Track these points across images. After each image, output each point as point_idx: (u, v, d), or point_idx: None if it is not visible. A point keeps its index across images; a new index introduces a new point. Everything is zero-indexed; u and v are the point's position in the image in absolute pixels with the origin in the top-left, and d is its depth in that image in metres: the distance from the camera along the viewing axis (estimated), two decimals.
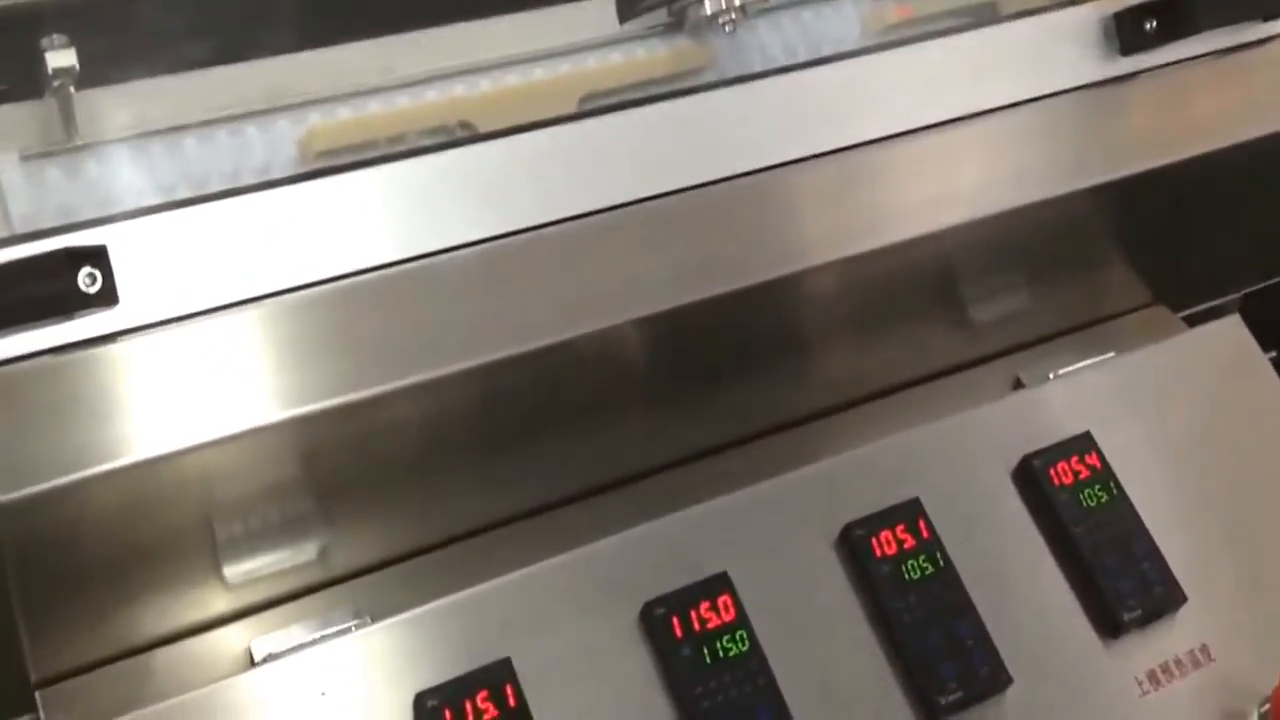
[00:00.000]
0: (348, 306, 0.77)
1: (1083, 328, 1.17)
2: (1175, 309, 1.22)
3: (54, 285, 0.71)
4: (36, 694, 0.83)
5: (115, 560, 0.83)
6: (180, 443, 0.74)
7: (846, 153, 0.94)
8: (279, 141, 0.93)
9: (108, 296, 0.73)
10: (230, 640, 0.88)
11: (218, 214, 0.77)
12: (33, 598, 0.81)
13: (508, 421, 0.89)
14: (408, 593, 0.88)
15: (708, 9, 0.99)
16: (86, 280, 0.73)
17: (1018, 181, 0.99)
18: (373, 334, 0.78)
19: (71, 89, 0.85)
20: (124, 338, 0.74)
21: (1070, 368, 1.09)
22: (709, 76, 1.02)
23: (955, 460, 1.00)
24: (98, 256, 0.73)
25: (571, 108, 0.97)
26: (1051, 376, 1.09)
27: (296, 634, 0.86)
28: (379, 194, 0.81)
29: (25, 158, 0.85)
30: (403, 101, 0.97)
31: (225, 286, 0.76)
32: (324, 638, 0.84)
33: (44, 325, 0.72)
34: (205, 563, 0.86)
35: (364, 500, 0.88)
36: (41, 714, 0.82)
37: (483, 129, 0.93)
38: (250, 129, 0.92)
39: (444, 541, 0.94)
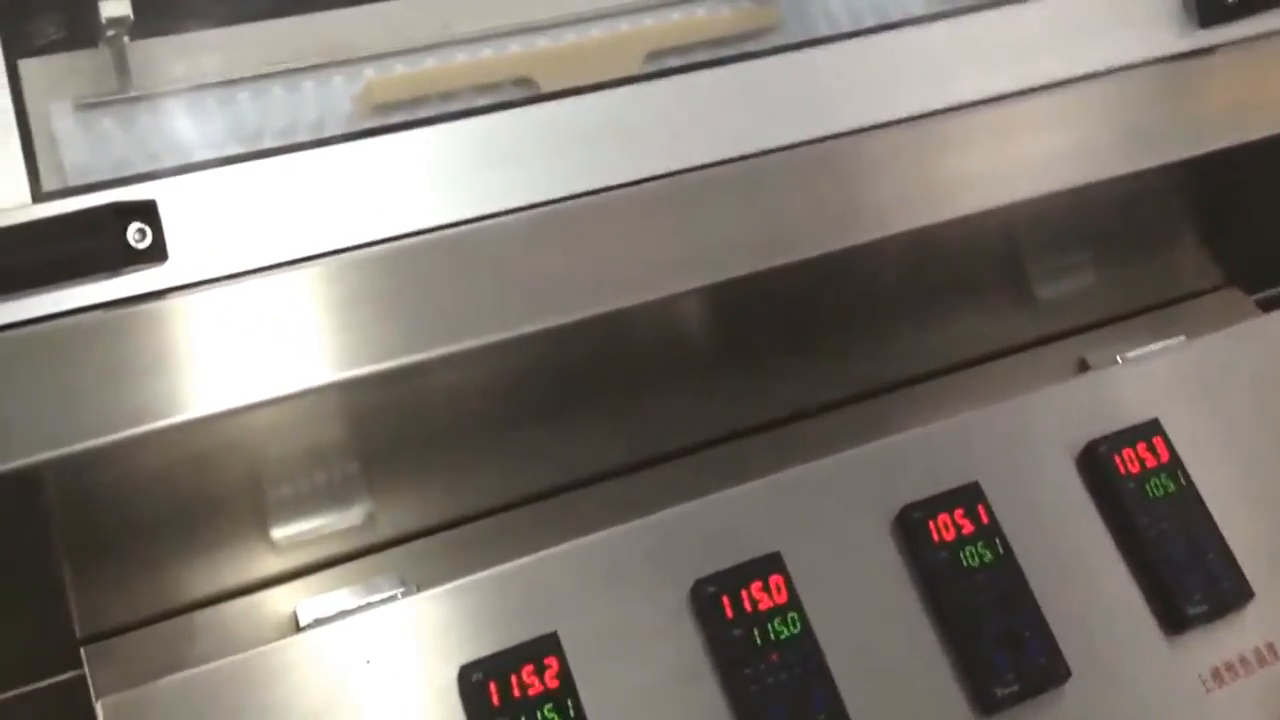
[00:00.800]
0: (402, 268, 0.76)
1: (1152, 309, 1.14)
2: (1249, 292, 1.18)
3: (102, 240, 0.70)
4: (81, 650, 0.81)
5: (161, 519, 0.82)
6: (230, 403, 0.72)
7: (914, 122, 0.91)
8: (334, 97, 0.91)
9: (157, 252, 0.71)
10: (275, 603, 0.87)
11: (272, 170, 0.75)
12: (80, 555, 0.81)
13: (562, 390, 0.87)
14: (453, 561, 0.87)
15: None
16: (136, 235, 0.71)
17: (1089, 156, 0.96)
18: (428, 297, 0.76)
19: (125, 39, 0.83)
20: (173, 295, 0.72)
21: (1138, 351, 1.06)
22: (774, 39, 0.99)
23: (1018, 444, 0.97)
24: (147, 212, 0.71)
25: (634, 66, 0.95)
26: (1119, 360, 1.06)
27: (342, 599, 0.85)
28: (435, 153, 0.78)
29: (79, 107, 0.83)
30: (461, 58, 0.94)
31: (277, 245, 0.74)
32: (370, 605, 0.83)
33: (93, 281, 0.70)
34: (251, 524, 0.85)
35: (412, 466, 0.86)
36: (86, 670, 0.81)
37: (544, 86, 0.91)
38: (306, 84, 0.90)
39: (491, 510, 0.92)
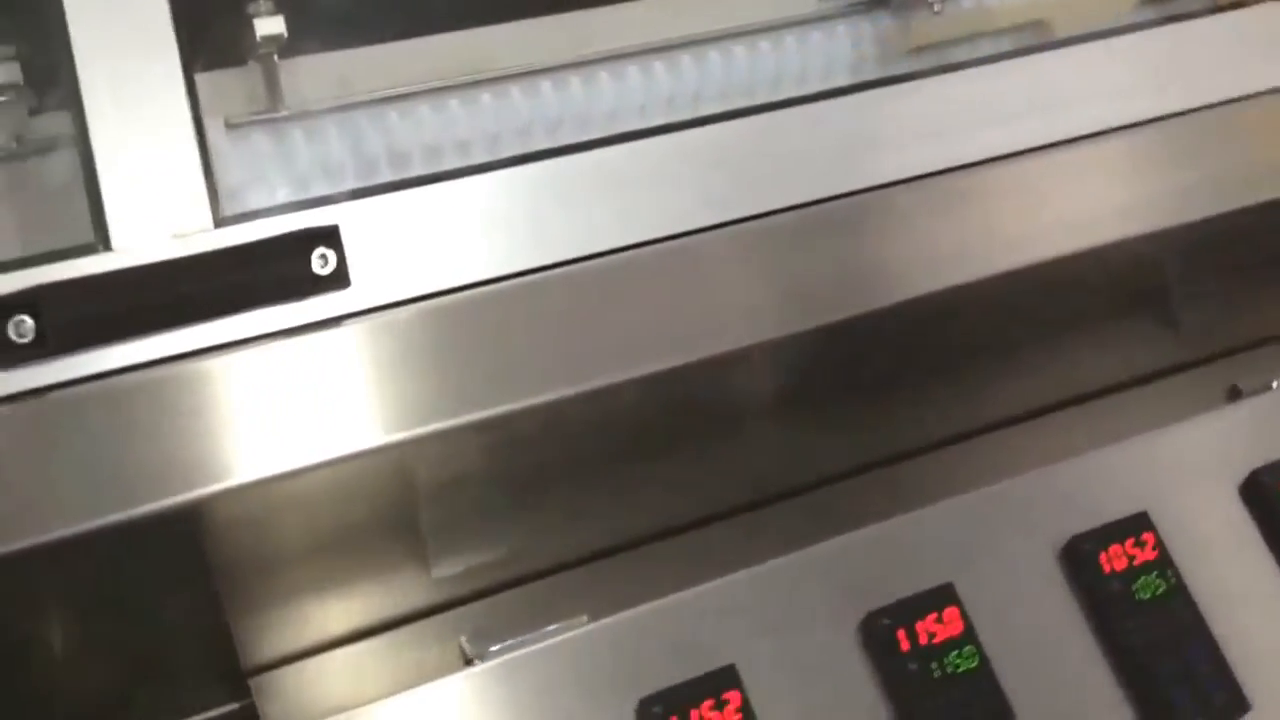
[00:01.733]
0: (581, 292, 0.73)
1: None
2: None
3: (289, 267, 0.68)
4: (249, 682, 0.80)
5: (324, 548, 0.81)
6: (417, 428, 0.71)
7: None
8: (480, 115, 0.90)
9: (340, 278, 0.70)
10: (437, 632, 0.85)
11: (450, 193, 0.73)
12: (243, 587, 0.79)
13: (726, 415, 0.85)
14: (618, 589, 0.85)
15: None
16: (319, 262, 0.69)
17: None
18: (604, 321, 0.74)
19: (275, 57, 0.82)
20: (354, 320, 0.70)
21: None
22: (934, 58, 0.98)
23: (1180, 472, 0.94)
24: (331, 237, 0.70)
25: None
26: (1275, 385, 1.02)
27: (509, 630, 0.82)
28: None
29: (231, 125, 0.82)
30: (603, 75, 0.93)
31: (457, 268, 0.72)
32: (542, 636, 0.80)
33: (274, 306, 0.69)
34: (412, 552, 0.84)
35: (574, 493, 0.85)
36: (256, 701, 0.79)
37: None
38: (452, 102, 0.89)
39: (654, 536, 0.90)
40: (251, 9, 0.81)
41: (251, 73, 0.83)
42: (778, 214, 0.80)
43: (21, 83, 0.78)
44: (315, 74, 0.88)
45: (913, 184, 0.84)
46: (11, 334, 0.65)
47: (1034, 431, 1.06)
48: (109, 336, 0.66)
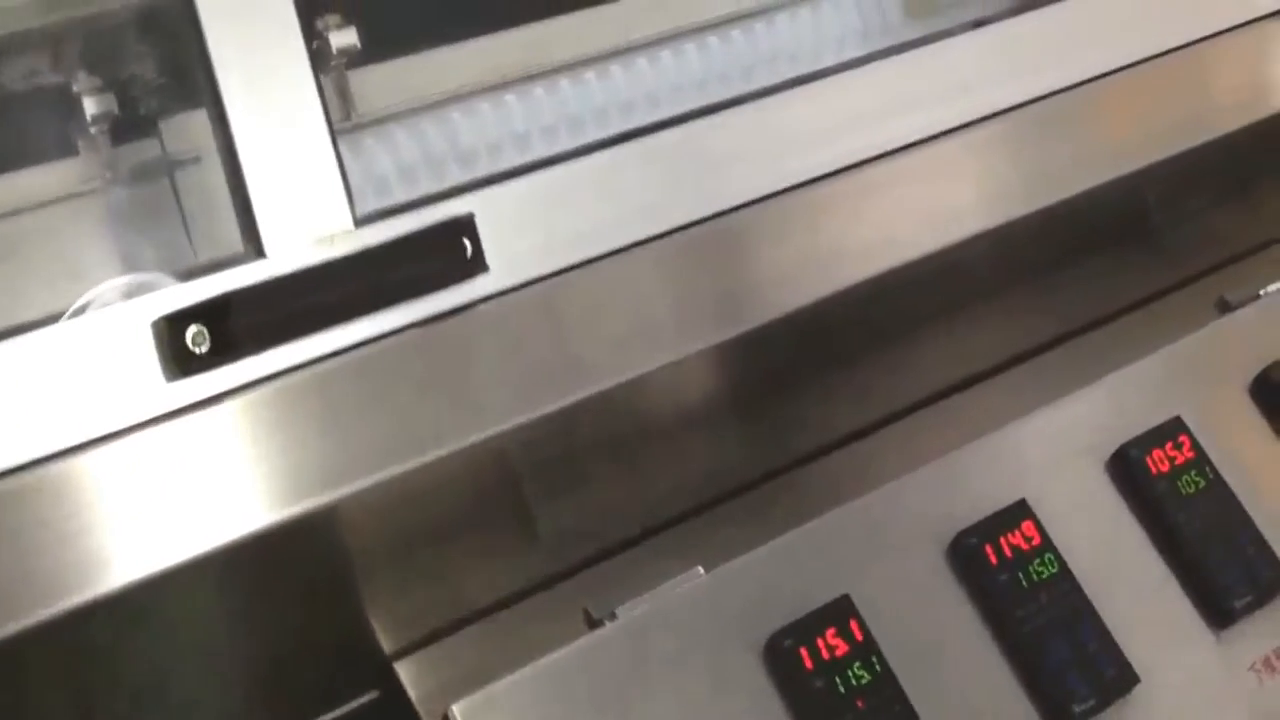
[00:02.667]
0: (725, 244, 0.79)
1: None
2: None
3: (440, 257, 0.72)
4: (394, 665, 0.83)
5: (450, 530, 0.84)
6: (547, 405, 0.75)
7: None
8: (536, 109, 0.94)
9: (480, 263, 0.74)
10: (557, 602, 0.89)
11: (566, 174, 0.78)
12: (378, 572, 0.82)
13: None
14: (723, 539, 0.89)
15: None
16: (465, 248, 0.74)
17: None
18: (709, 283, 0.80)
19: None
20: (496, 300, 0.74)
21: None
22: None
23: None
24: (470, 225, 0.74)
25: None
26: (1262, 293, 1.11)
27: (632, 588, 0.87)
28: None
29: None
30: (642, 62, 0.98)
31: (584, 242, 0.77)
32: (664, 591, 0.85)
33: (428, 295, 0.73)
34: (530, 523, 0.87)
35: (682, 448, 0.89)
36: (405, 684, 0.83)
37: None
38: (509, 98, 0.93)
39: (746, 486, 0.95)
40: (321, 24, 0.84)
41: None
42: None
43: (117, 112, 0.81)
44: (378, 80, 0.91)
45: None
46: (190, 343, 0.68)
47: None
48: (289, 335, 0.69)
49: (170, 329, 0.67)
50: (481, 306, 0.75)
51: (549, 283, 0.77)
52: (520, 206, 0.76)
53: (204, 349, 0.68)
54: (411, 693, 0.83)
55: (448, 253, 0.73)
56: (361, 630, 0.84)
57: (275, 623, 0.81)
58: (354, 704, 0.85)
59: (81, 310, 0.72)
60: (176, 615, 0.75)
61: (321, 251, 0.71)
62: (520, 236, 0.76)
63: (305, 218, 0.72)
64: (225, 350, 0.69)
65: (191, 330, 0.68)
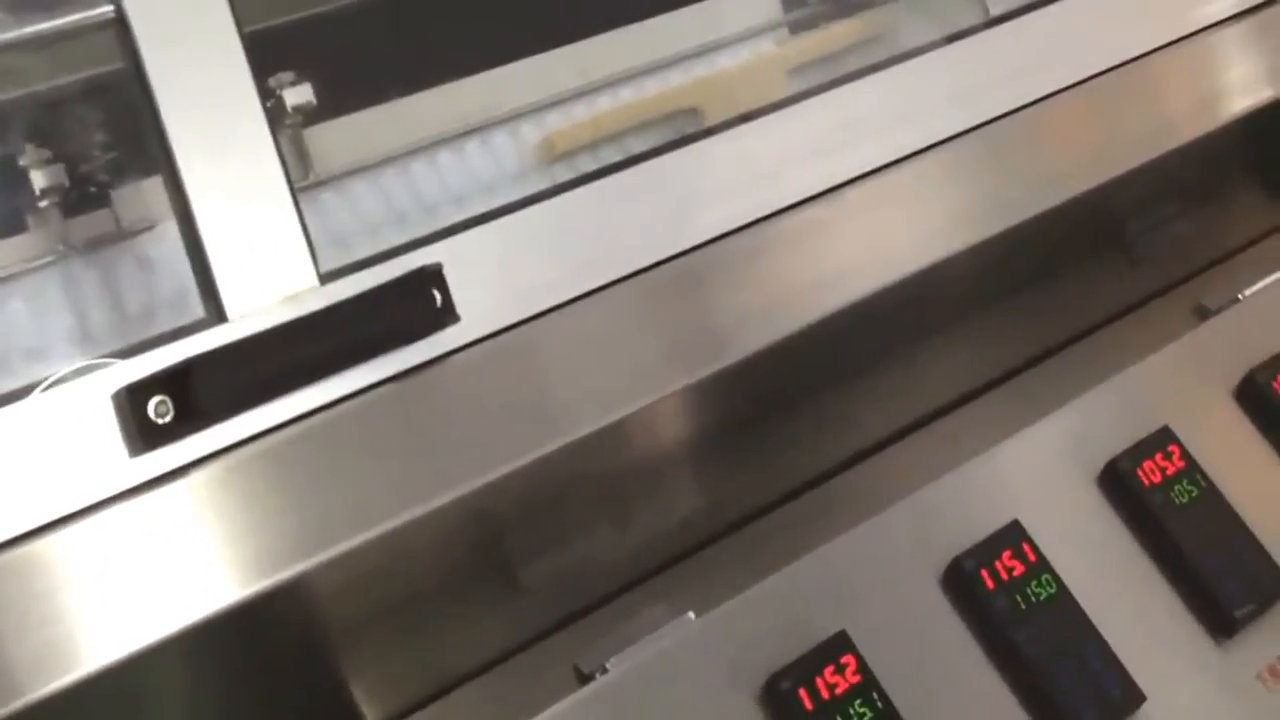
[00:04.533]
0: (695, 281, 0.79)
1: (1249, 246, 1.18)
2: None
3: (413, 309, 0.70)
4: None
5: (430, 591, 0.82)
6: (528, 454, 0.73)
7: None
8: (500, 153, 0.93)
9: (449, 313, 0.73)
10: (546, 658, 0.86)
11: (535, 217, 0.76)
12: (357, 640, 0.80)
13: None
14: (710, 582, 0.87)
15: None
16: (434, 300, 0.72)
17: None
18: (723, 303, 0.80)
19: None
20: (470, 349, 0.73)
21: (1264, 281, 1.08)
22: (889, 43, 1.04)
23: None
24: (438, 276, 0.72)
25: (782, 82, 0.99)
26: (1241, 296, 1.09)
27: (619, 640, 0.84)
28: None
29: None
30: (604, 102, 0.97)
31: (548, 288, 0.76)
32: (657, 639, 0.83)
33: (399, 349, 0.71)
34: (509, 581, 0.85)
35: (666, 491, 0.88)
36: None
37: (708, 116, 0.94)
38: (470, 145, 0.92)
39: (732, 527, 0.93)
40: (274, 82, 0.83)
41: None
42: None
43: (67, 185, 0.79)
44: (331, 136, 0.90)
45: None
46: (152, 414, 0.66)
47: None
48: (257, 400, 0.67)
49: (132, 400, 0.65)
50: (455, 357, 0.73)
51: (522, 329, 0.74)
52: (487, 254, 0.74)
53: (167, 419, 0.66)
54: None
55: (418, 303, 0.71)
56: (343, 701, 0.81)
57: (253, 697, 0.79)
58: None
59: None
60: (151, 694, 0.73)
61: (287, 311, 0.69)
62: (489, 284, 0.74)
63: (268, 278, 0.70)
64: (190, 419, 0.67)
65: (154, 401, 0.66)
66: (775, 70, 0.99)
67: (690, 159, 0.83)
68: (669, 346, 0.79)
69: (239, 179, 0.70)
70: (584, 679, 0.83)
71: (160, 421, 0.66)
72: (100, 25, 0.69)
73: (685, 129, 0.93)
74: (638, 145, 0.92)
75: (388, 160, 0.90)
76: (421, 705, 0.84)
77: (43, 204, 0.81)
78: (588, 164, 0.92)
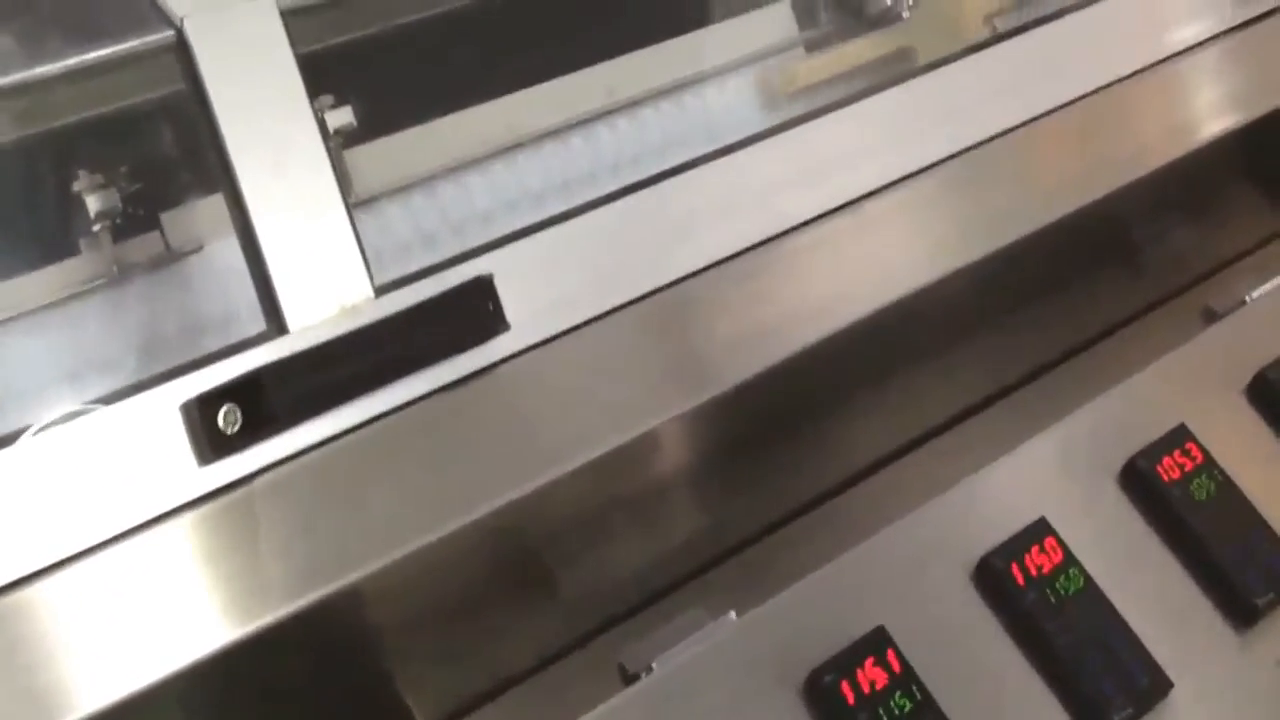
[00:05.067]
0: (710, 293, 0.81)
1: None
2: None
3: (466, 318, 0.73)
4: None
5: (480, 598, 0.84)
6: (583, 456, 0.76)
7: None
8: (527, 175, 0.96)
9: (501, 321, 0.75)
10: (593, 658, 0.89)
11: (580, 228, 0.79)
12: (410, 646, 0.82)
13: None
14: (751, 583, 0.90)
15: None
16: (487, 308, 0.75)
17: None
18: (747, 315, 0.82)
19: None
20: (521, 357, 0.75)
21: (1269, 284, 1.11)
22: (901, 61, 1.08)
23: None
24: (489, 286, 0.75)
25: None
26: (1248, 299, 1.11)
27: (663, 640, 0.87)
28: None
29: None
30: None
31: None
32: (700, 639, 0.85)
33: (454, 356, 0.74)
34: (554, 585, 0.88)
35: (704, 494, 0.90)
36: None
37: None
38: (497, 166, 0.94)
39: (766, 530, 0.96)
40: (316, 105, 0.85)
41: None
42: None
43: (120, 208, 0.81)
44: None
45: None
46: (221, 424, 0.68)
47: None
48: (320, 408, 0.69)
49: (202, 411, 0.67)
50: (506, 364, 0.75)
51: (571, 336, 0.77)
52: (534, 264, 0.77)
53: (236, 428, 0.68)
54: None
55: (472, 312, 0.73)
56: (397, 707, 0.83)
57: (307, 699, 0.80)
58: None
59: None
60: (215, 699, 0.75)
61: (346, 322, 0.72)
62: (538, 292, 0.77)
63: (326, 291, 0.72)
64: (257, 429, 0.69)
65: (223, 410, 0.68)
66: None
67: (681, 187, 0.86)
68: (718, 348, 0.82)
69: (297, 196, 0.72)
70: (629, 679, 0.85)
71: (229, 431, 0.68)
72: (162, 50, 0.72)
73: None
74: None
75: (420, 181, 0.92)
76: (473, 708, 0.85)
77: (95, 228, 0.82)
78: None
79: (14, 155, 0.81)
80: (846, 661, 0.83)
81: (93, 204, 0.82)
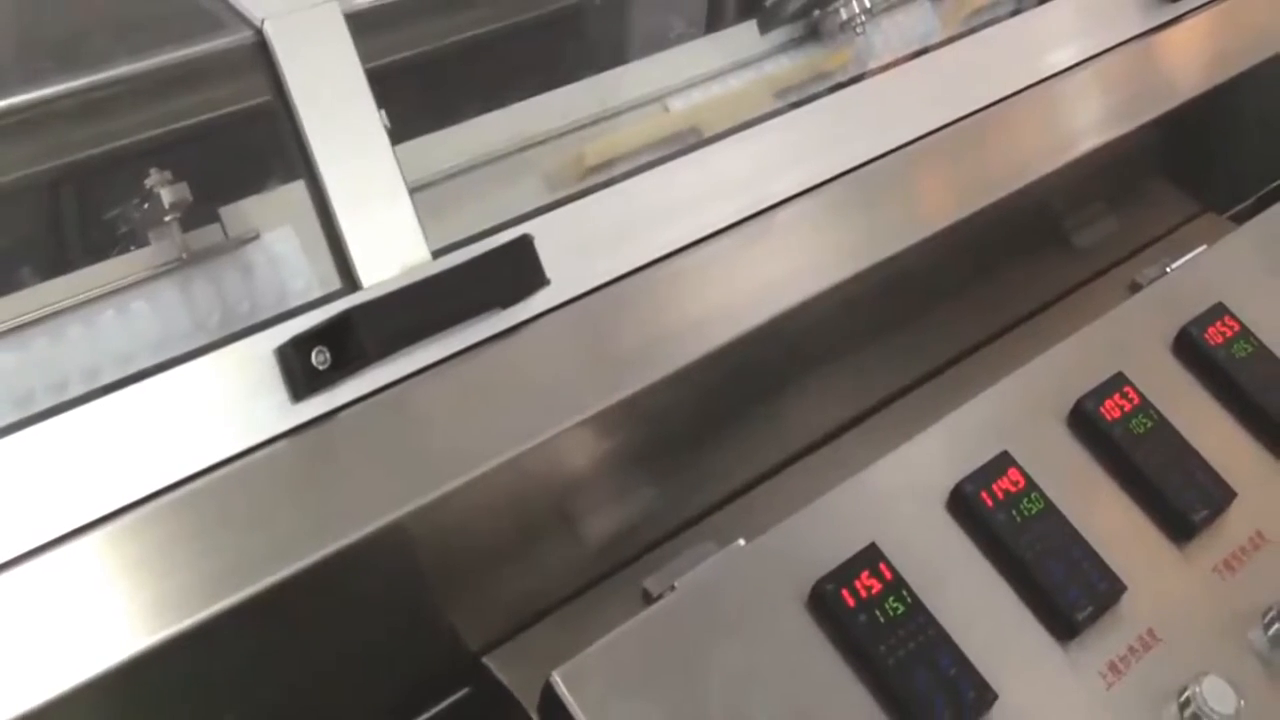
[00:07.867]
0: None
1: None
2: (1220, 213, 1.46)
3: (513, 274, 0.85)
4: (483, 660, 0.94)
5: (527, 532, 0.96)
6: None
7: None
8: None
9: (540, 278, 0.88)
10: (620, 585, 1.00)
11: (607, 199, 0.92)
12: (463, 577, 0.93)
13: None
14: (752, 520, 1.02)
15: (843, 15, 1.19)
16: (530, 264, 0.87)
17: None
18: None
19: None
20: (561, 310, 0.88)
21: (1185, 258, 1.27)
22: (854, 69, 1.22)
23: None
24: (529, 245, 0.87)
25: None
26: (1169, 270, 1.28)
27: (680, 565, 0.99)
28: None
29: None
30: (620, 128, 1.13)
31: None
32: (714, 563, 0.97)
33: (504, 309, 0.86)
34: (591, 517, 1.00)
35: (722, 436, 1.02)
36: (497, 674, 0.93)
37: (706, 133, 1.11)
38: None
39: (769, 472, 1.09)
40: None
41: None
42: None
43: (190, 200, 0.92)
44: None
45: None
46: (315, 362, 0.80)
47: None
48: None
49: (297, 351, 0.79)
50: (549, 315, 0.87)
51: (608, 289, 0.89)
52: (569, 229, 0.89)
53: (326, 367, 0.80)
54: (505, 679, 0.93)
55: (517, 267, 0.85)
56: (451, 633, 0.94)
57: (373, 629, 0.91)
58: (444, 703, 0.95)
59: None
60: (288, 622, 0.85)
61: (410, 277, 0.84)
62: (573, 253, 0.89)
63: (392, 253, 0.84)
64: (344, 365, 0.80)
65: (315, 350, 0.79)
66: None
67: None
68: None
69: (366, 176, 0.84)
70: (653, 601, 0.97)
71: (321, 369, 0.79)
72: (245, 49, 0.84)
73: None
74: None
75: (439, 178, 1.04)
76: (514, 634, 0.97)
77: (167, 219, 0.92)
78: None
79: (94, 155, 0.91)
80: (845, 573, 0.95)
81: (166, 197, 0.92)
